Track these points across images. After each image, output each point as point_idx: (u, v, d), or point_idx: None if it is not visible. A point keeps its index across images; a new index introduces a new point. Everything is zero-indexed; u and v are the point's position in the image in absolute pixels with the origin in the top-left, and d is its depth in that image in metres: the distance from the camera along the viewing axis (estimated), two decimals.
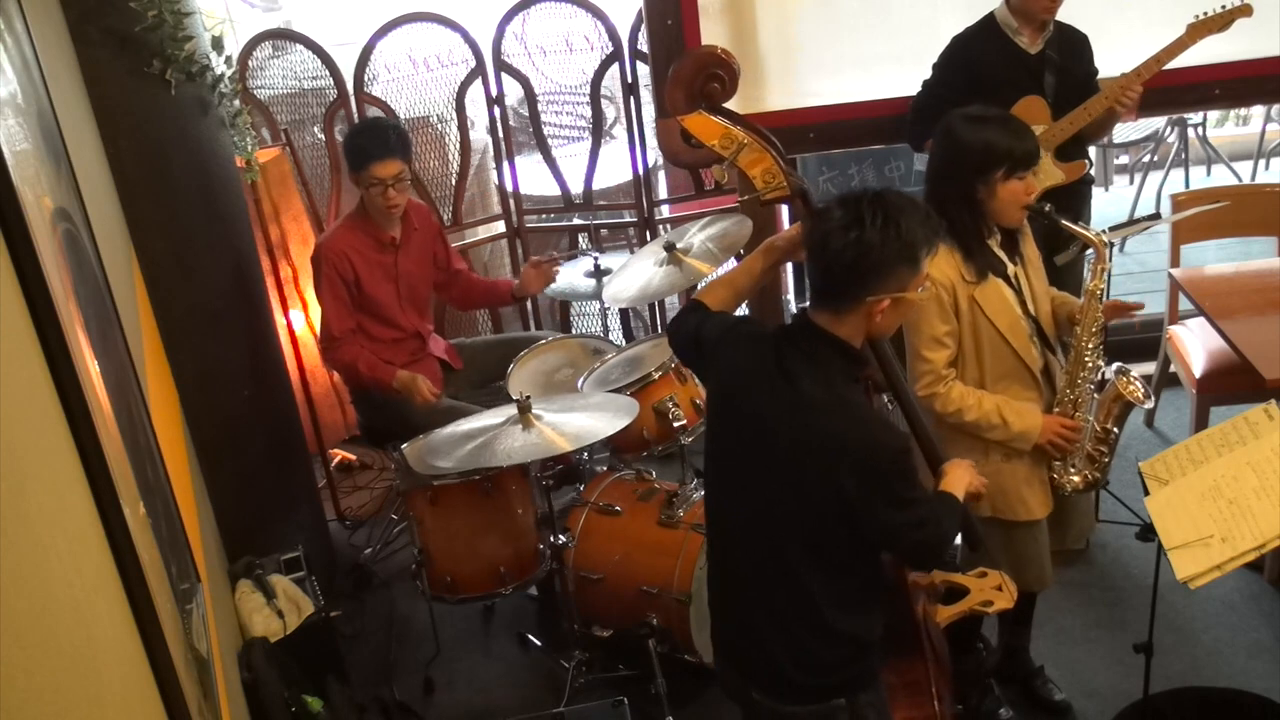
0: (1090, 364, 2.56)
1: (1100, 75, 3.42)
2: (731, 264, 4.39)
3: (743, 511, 2.08)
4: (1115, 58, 3.33)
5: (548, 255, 3.80)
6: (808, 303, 2.02)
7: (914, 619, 2.21)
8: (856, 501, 1.92)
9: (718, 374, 2.13)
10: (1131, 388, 2.53)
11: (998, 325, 2.49)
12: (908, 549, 2.09)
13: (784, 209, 4.22)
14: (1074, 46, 3.38)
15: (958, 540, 2.28)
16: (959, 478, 2.18)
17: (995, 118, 2.47)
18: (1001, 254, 2.55)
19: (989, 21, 3.39)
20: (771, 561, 2.04)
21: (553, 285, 3.95)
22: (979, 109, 2.51)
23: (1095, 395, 2.59)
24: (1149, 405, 2.67)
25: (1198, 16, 3.22)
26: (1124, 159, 6.45)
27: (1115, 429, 2.59)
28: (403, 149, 3.42)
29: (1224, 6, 3.20)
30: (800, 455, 1.95)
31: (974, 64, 3.38)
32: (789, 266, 4.67)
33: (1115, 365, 2.61)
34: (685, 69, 2.38)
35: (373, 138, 3.40)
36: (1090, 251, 2.53)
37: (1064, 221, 2.50)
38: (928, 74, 3.55)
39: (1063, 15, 3.34)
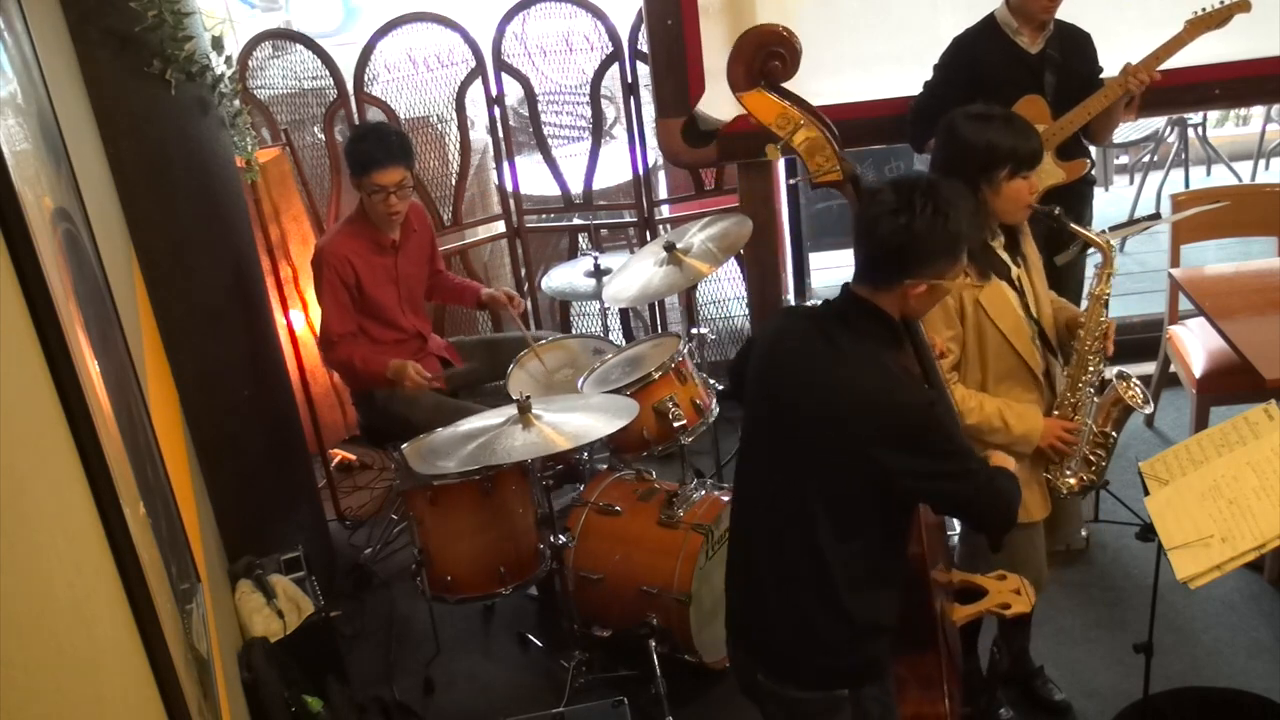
0: (1092, 368, 2.55)
1: (1103, 75, 3.41)
2: (731, 264, 4.42)
3: (768, 475, 2.09)
4: (1115, 58, 3.32)
5: (519, 300, 3.79)
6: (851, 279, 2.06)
7: (931, 612, 2.19)
8: (896, 469, 1.94)
9: (758, 350, 2.16)
10: (1131, 392, 2.53)
11: (1001, 327, 2.48)
12: (971, 505, 2.05)
13: (781, 199, 4.24)
14: (1075, 46, 3.38)
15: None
16: (1002, 457, 2.21)
17: (999, 117, 2.46)
18: (1005, 255, 2.54)
19: (989, 22, 3.39)
20: (791, 526, 2.04)
21: (553, 285, 3.96)
22: (982, 107, 2.50)
23: (1095, 399, 2.59)
24: (1148, 410, 2.66)
25: (1196, 13, 3.22)
26: (1124, 159, 6.44)
27: (1114, 433, 2.59)
28: (405, 156, 3.40)
29: (1222, 2, 3.20)
30: (830, 411, 1.97)
31: (975, 64, 3.38)
32: (788, 263, 4.67)
33: (1116, 369, 2.61)
34: (747, 45, 2.37)
35: (376, 144, 3.37)
36: (1091, 251, 2.52)
37: (1073, 226, 2.50)
38: (928, 74, 3.55)
39: (1063, 15, 3.34)
